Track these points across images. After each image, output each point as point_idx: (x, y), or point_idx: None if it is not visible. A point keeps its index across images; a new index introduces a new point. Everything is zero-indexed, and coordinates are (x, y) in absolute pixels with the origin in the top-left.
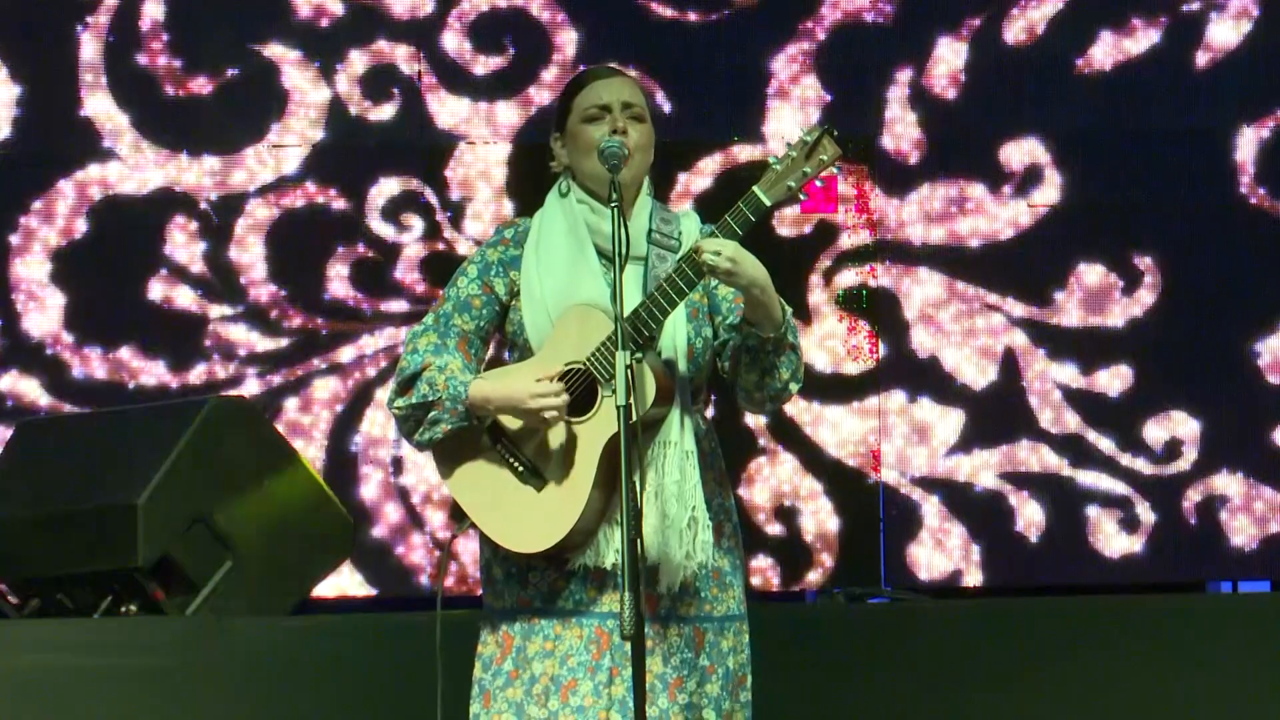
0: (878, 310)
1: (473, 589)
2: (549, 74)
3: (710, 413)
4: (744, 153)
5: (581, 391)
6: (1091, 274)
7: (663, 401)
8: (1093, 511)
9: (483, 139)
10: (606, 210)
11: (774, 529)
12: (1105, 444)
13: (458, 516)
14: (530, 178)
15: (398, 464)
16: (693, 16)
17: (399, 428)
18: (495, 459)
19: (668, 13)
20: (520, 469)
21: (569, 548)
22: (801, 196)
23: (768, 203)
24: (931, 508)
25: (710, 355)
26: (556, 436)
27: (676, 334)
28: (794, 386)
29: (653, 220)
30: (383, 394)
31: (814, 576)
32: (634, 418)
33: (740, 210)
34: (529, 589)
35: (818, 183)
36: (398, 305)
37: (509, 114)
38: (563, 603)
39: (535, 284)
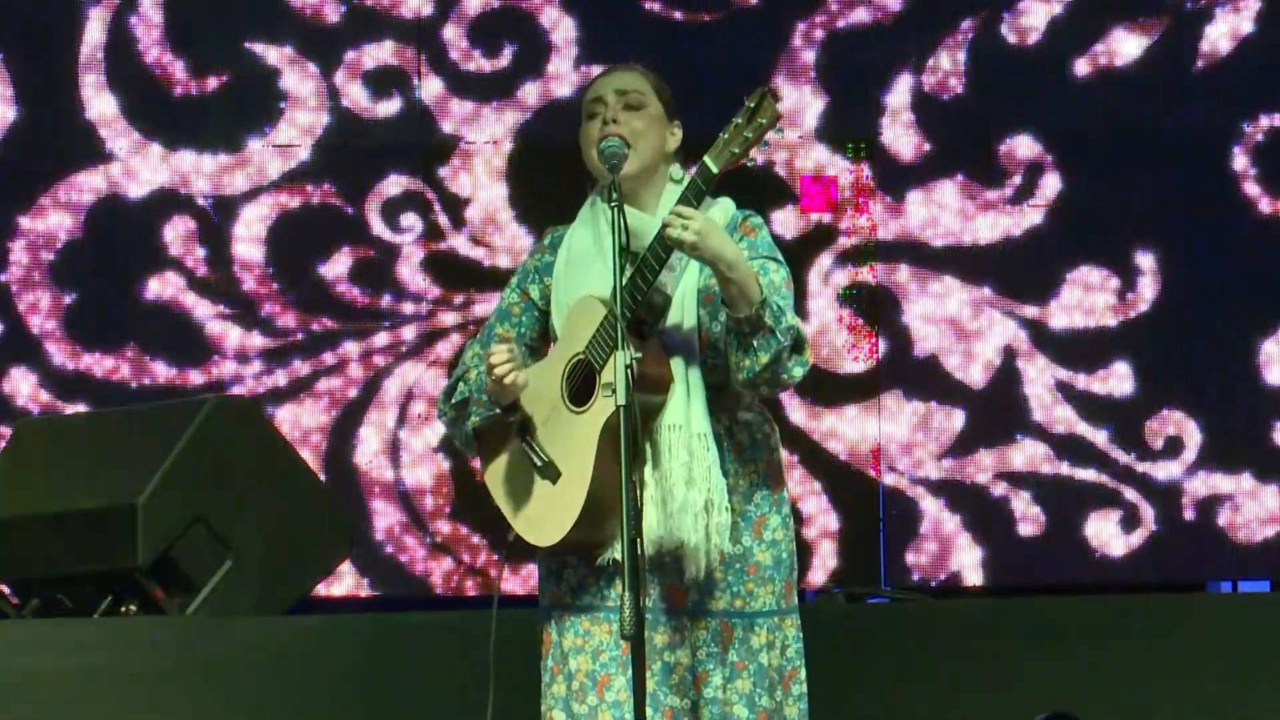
0: (878, 310)
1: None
2: (549, 74)
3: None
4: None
5: (583, 382)
6: (1092, 274)
7: (653, 389)
8: (1093, 511)
9: (483, 139)
10: (630, 207)
11: None
12: (1105, 444)
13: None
14: (529, 177)
15: (397, 463)
16: (692, 16)
17: (452, 435)
18: (520, 455)
19: (668, 13)
20: (538, 463)
21: (597, 542)
22: (748, 162)
23: (715, 169)
24: (932, 508)
25: None
26: (565, 429)
27: (684, 319)
28: (794, 372)
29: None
30: (383, 393)
31: (814, 576)
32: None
33: (694, 181)
34: (561, 585)
35: (762, 145)
36: (397, 305)
37: (509, 113)
38: (590, 598)
39: (561, 286)
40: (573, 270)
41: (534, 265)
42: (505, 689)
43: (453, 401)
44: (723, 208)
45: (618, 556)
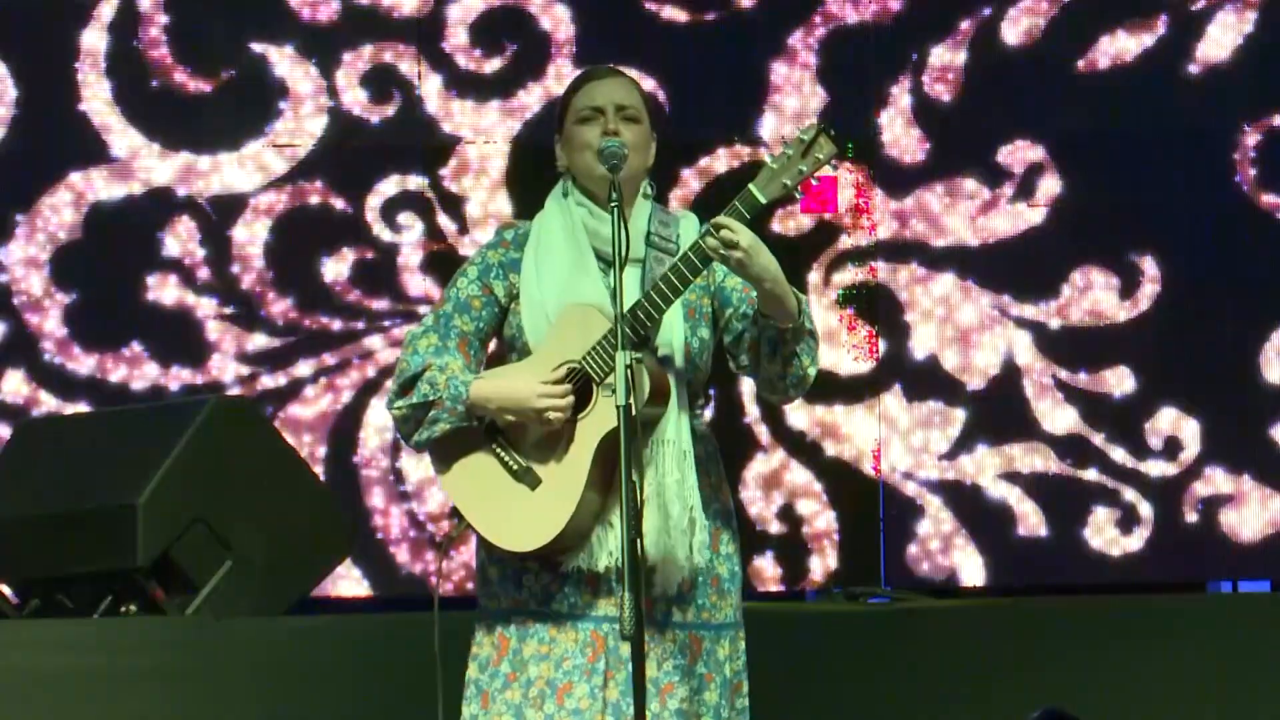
0: (878, 310)
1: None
2: (549, 74)
3: (708, 415)
4: (744, 152)
5: (577, 390)
6: (1092, 274)
7: (659, 401)
8: (1093, 511)
9: (482, 139)
10: (605, 213)
11: (774, 529)
12: (1105, 443)
13: (455, 516)
14: (529, 178)
15: (397, 463)
16: (692, 16)
17: (398, 428)
18: (491, 457)
19: (667, 13)
20: (515, 467)
21: (561, 549)
22: (797, 195)
23: (763, 200)
24: (931, 508)
25: (708, 357)
26: (552, 435)
27: (674, 332)
28: (813, 370)
29: (651, 222)
30: (383, 393)
31: (814, 576)
32: (633, 414)
33: (735, 208)
34: (523, 591)
35: (813, 180)
36: (397, 305)
37: (508, 114)
38: (557, 606)
39: (534, 287)
40: (547, 271)
41: (497, 260)
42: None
43: (413, 401)
44: (690, 221)
45: (583, 564)
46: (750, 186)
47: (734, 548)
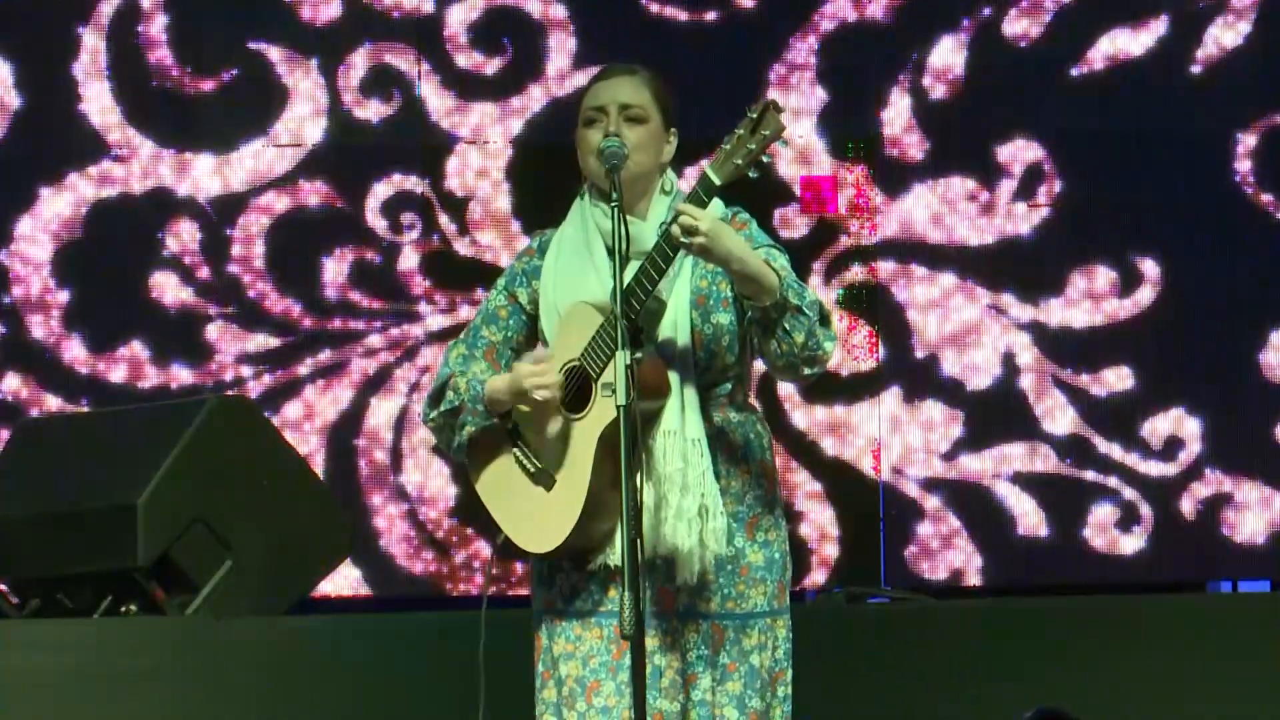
0: (878, 310)
1: (474, 593)
2: (549, 74)
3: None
4: None
5: (578, 389)
6: (1092, 274)
7: (652, 394)
8: (1093, 511)
9: (482, 139)
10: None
11: None
12: (1105, 443)
13: (455, 516)
14: (529, 178)
15: (397, 463)
16: (692, 16)
17: (437, 440)
18: (514, 463)
19: (668, 13)
20: (532, 470)
21: (588, 547)
22: (751, 174)
23: (718, 182)
24: (932, 508)
25: (731, 340)
26: (560, 436)
27: (678, 323)
28: (826, 345)
29: (669, 214)
30: (382, 393)
31: (814, 576)
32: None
33: (695, 192)
34: (553, 590)
35: (765, 158)
36: (397, 305)
37: (508, 114)
38: (581, 603)
39: (549, 289)
40: (562, 273)
41: (521, 269)
42: (498, 690)
43: (441, 409)
44: (713, 208)
45: (609, 562)
46: (706, 169)
47: (776, 534)
